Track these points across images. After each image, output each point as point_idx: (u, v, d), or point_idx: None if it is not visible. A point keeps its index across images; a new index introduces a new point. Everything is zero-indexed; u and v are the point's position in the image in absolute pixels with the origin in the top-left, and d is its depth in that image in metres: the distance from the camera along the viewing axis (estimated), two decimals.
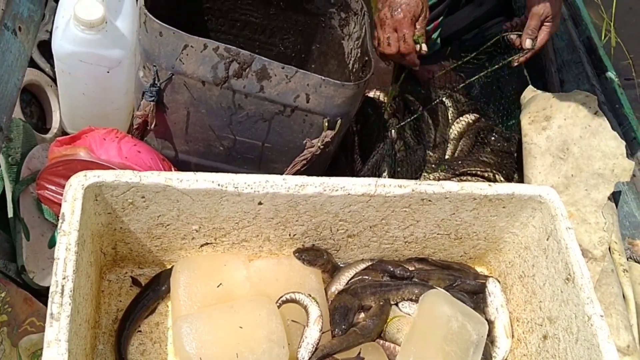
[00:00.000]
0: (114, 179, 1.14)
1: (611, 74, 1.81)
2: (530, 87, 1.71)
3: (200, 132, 1.35)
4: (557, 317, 1.24)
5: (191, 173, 1.16)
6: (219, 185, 1.16)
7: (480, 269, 1.53)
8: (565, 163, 1.57)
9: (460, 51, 2.30)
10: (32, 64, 1.63)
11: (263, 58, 1.21)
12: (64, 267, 1.01)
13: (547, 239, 1.29)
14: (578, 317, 1.17)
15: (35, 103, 1.65)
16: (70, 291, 0.99)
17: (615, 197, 1.60)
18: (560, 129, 1.60)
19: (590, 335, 1.13)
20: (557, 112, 1.61)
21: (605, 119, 1.58)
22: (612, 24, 1.91)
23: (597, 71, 1.85)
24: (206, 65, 1.22)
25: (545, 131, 1.62)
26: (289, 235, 1.32)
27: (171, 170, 1.38)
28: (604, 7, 2.62)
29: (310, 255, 1.34)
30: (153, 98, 1.27)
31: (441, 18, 1.92)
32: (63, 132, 1.61)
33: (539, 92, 1.68)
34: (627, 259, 1.46)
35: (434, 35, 1.95)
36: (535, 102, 1.68)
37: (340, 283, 1.39)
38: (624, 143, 1.53)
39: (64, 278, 1.00)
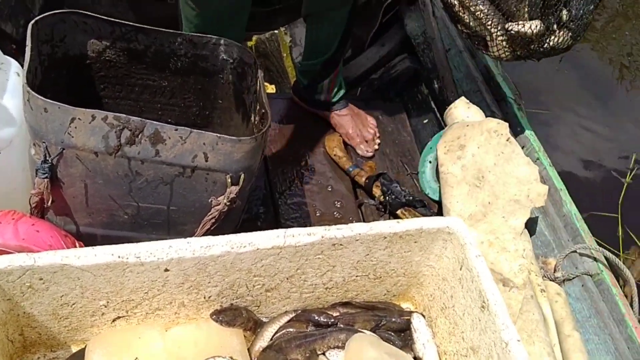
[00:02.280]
0: (7, 264, 1.08)
1: (510, 99, 1.88)
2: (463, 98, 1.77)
3: (101, 203, 1.31)
4: (478, 346, 1.25)
5: (89, 248, 1.12)
6: (119, 257, 1.12)
7: (405, 305, 1.53)
8: (481, 191, 1.60)
9: (369, 90, 2.38)
10: None
11: (154, 122, 1.20)
12: None
13: (461, 269, 1.31)
14: (497, 344, 1.18)
15: None
16: None
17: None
18: (475, 157, 1.63)
19: None
20: (471, 141, 1.64)
21: (518, 145, 1.62)
22: (499, 61, 2.01)
23: (496, 98, 1.92)
24: (97, 135, 1.19)
25: (460, 160, 1.65)
26: (204, 297, 1.29)
27: (75, 246, 1.33)
28: None
29: (229, 315, 1.30)
30: (46, 175, 1.23)
31: (340, 66, 1.97)
32: None
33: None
34: (542, 278, 1.49)
35: (337, 82, 2.00)
36: (451, 131, 1.72)
37: (263, 340, 1.36)
38: (537, 168, 1.57)
39: None
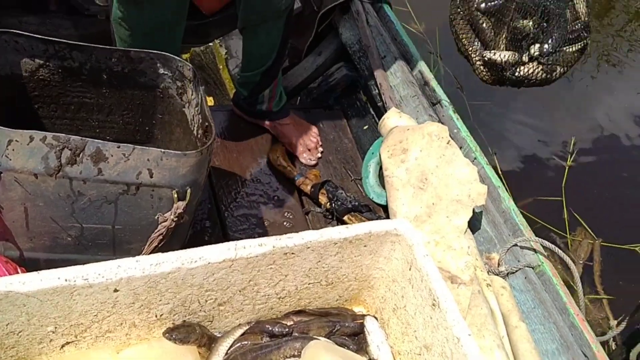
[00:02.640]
0: None
1: (445, 102, 1.93)
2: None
3: (43, 226, 1.27)
4: (431, 343, 1.28)
5: (34, 273, 1.08)
6: (66, 280, 1.09)
7: (358, 309, 1.54)
8: (425, 193, 1.64)
9: (309, 99, 2.40)
10: None
11: (96, 140, 1.17)
12: None
13: (410, 269, 1.33)
14: (449, 340, 1.21)
15: None
16: None
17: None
18: (417, 160, 1.68)
19: (463, 356, 1.17)
20: (413, 145, 1.69)
21: (457, 147, 1.68)
22: (439, 56, 2.08)
23: (432, 101, 1.97)
24: (35, 157, 1.16)
25: (404, 163, 1.69)
26: (156, 316, 1.26)
27: (18, 272, 1.28)
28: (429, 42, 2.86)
29: (182, 332, 1.28)
30: None
31: (279, 75, 1.99)
32: None
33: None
34: (487, 273, 1.54)
35: (277, 92, 2.01)
36: (392, 135, 1.76)
37: (219, 355, 1.34)
38: (476, 168, 1.63)
39: None
